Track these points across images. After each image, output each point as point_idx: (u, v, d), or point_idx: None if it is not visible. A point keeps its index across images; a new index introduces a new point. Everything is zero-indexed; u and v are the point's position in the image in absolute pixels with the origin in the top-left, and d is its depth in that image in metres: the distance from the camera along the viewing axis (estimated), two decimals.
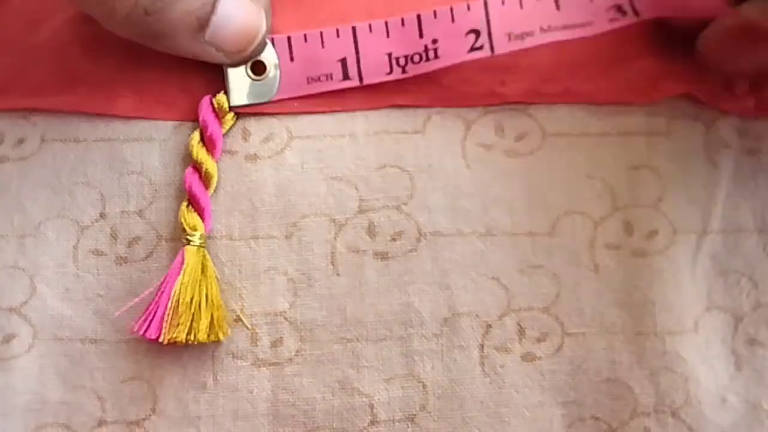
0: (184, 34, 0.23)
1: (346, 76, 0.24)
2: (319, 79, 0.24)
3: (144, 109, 0.25)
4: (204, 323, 0.23)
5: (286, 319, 0.24)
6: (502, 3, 0.24)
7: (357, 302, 0.24)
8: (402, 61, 0.24)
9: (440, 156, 0.24)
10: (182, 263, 0.23)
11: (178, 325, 0.23)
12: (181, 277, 0.23)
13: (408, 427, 0.23)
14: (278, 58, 0.24)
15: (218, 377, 0.24)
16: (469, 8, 0.24)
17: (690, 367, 0.23)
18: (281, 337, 0.24)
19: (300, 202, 0.24)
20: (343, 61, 0.24)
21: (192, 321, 0.23)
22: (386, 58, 0.24)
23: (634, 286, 0.24)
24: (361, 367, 0.23)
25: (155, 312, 0.23)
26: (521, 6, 0.24)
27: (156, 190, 0.24)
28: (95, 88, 0.25)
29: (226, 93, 0.24)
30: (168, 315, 0.23)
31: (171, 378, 0.24)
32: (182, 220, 0.24)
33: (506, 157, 0.24)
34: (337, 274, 0.24)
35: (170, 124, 0.25)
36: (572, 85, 0.25)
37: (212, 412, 0.23)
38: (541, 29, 0.24)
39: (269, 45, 0.24)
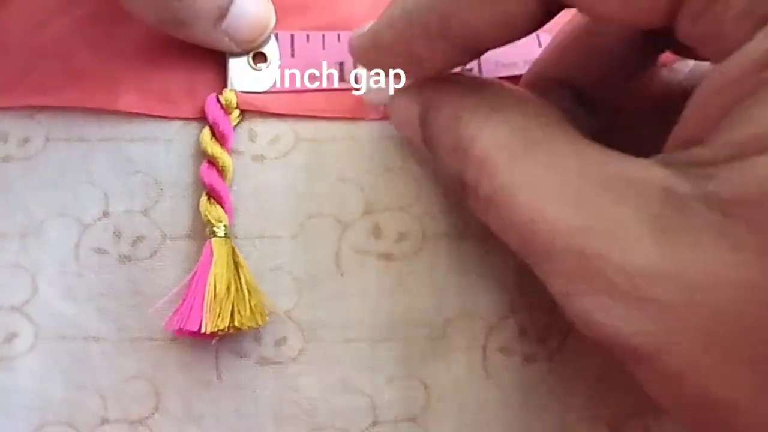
0: (204, 22, 0.23)
1: (342, 79, 0.25)
2: (318, 78, 0.25)
3: (148, 106, 0.25)
4: (245, 310, 0.23)
5: (290, 318, 0.24)
6: None
7: (360, 303, 0.24)
8: None
9: None
10: (211, 254, 0.23)
11: (219, 314, 0.23)
12: (213, 268, 0.23)
13: (410, 427, 0.23)
14: (280, 53, 0.25)
15: (222, 376, 0.24)
16: None
17: None
18: (285, 337, 0.24)
19: (306, 203, 0.24)
20: (341, 65, 0.25)
21: (233, 310, 0.23)
22: None
23: None
24: (363, 368, 0.23)
25: (192, 305, 0.23)
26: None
27: (161, 190, 0.24)
28: (100, 85, 0.25)
29: (226, 79, 0.25)
30: (207, 306, 0.23)
31: (174, 376, 0.24)
32: (206, 213, 0.24)
33: None
34: (342, 275, 0.24)
35: (175, 124, 0.25)
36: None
37: (216, 411, 0.23)
38: (525, 62, 0.25)
39: (273, 39, 0.25)
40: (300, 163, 0.24)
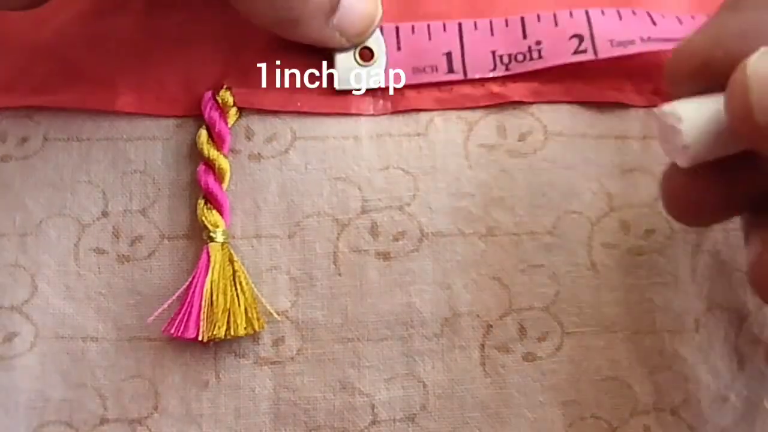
0: (317, 19, 0.23)
1: (450, 70, 0.25)
2: (424, 70, 0.25)
3: (145, 106, 0.25)
4: (241, 318, 0.23)
5: (287, 318, 0.24)
6: (602, 13, 0.25)
7: (358, 302, 0.24)
8: (506, 59, 0.25)
9: (442, 157, 0.24)
10: (208, 261, 0.23)
11: (215, 322, 0.23)
12: (210, 274, 0.23)
13: (409, 426, 0.23)
14: (386, 47, 0.25)
15: (220, 375, 0.24)
16: (571, 15, 0.25)
17: (690, 365, 0.23)
18: (283, 336, 0.24)
19: (303, 202, 0.24)
20: (449, 55, 0.25)
21: (229, 317, 0.23)
22: (490, 55, 0.25)
23: (632, 284, 0.24)
24: (362, 367, 0.23)
25: (189, 312, 0.23)
26: (620, 18, 0.25)
27: (159, 189, 0.24)
28: (97, 86, 0.25)
29: (332, 77, 0.25)
30: (204, 314, 0.23)
31: (173, 376, 0.24)
32: (202, 218, 0.24)
33: (509, 157, 0.25)
34: (339, 274, 0.24)
35: (172, 122, 0.25)
36: (573, 85, 0.25)
37: (214, 411, 0.23)
38: (641, 39, 0.24)
39: (378, 33, 0.25)
40: (297, 161, 0.24)
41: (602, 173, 0.24)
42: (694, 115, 0.18)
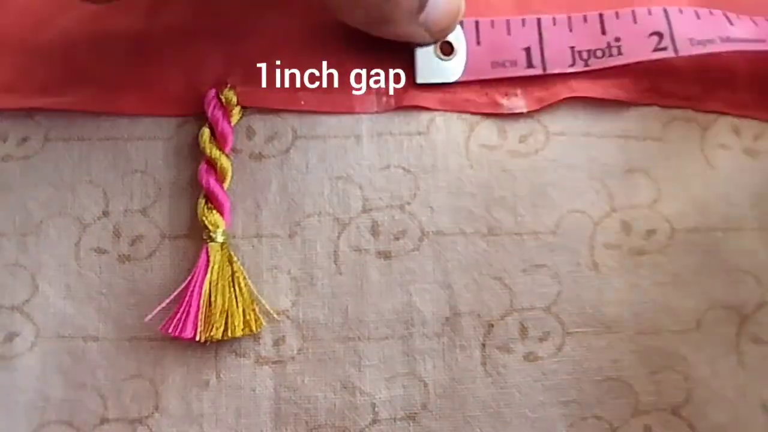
0: (406, 17, 0.24)
1: (530, 64, 0.25)
2: (503, 64, 0.25)
3: (149, 107, 0.25)
4: (239, 319, 0.23)
5: (288, 317, 0.24)
6: (680, 12, 0.25)
7: (359, 301, 0.24)
8: (585, 55, 0.25)
9: (444, 156, 0.25)
10: (207, 261, 0.23)
11: (213, 323, 0.23)
12: (209, 275, 0.23)
13: (409, 425, 0.23)
14: (466, 41, 0.25)
15: (221, 375, 0.24)
16: (650, 12, 0.25)
17: (691, 365, 0.23)
18: (284, 336, 0.24)
19: (304, 202, 0.24)
20: (528, 50, 0.25)
21: (227, 318, 0.23)
22: (569, 50, 0.25)
23: (633, 284, 0.24)
24: (362, 366, 0.23)
25: (187, 312, 0.23)
26: (698, 17, 0.25)
27: (160, 189, 0.24)
28: (100, 87, 0.25)
29: (413, 72, 0.25)
30: (202, 314, 0.23)
31: (173, 376, 0.24)
32: (203, 218, 0.24)
33: (510, 157, 0.25)
34: (340, 273, 0.24)
35: (174, 122, 0.25)
36: (576, 83, 0.25)
37: (215, 410, 0.23)
38: (721, 39, 0.24)
39: (458, 27, 0.25)
40: (298, 161, 0.24)
41: (605, 173, 0.24)
42: None
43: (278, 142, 0.25)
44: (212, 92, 0.24)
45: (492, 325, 0.24)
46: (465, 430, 0.23)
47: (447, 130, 0.25)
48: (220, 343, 0.24)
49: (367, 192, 0.24)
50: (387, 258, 0.24)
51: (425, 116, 0.25)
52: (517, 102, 0.25)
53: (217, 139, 0.24)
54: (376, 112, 0.25)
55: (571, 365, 0.23)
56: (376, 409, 0.23)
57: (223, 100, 0.24)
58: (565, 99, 0.25)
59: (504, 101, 0.25)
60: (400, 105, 0.25)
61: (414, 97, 0.25)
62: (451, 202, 0.24)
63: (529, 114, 0.25)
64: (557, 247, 0.24)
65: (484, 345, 0.24)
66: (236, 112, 0.25)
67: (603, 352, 0.23)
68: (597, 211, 0.24)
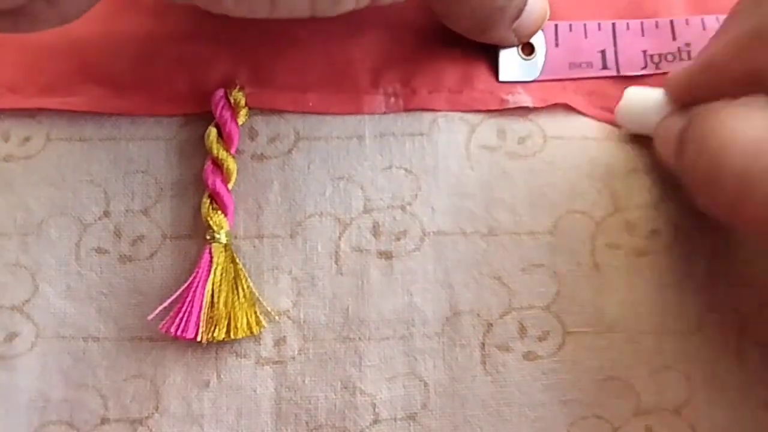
0: (505, 24, 0.25)
1: (604, 66, 0.26)
2: (580, 65, 0.26)
3: (155, 107, 0.25)
4: (241, 321, 0.23)
5: (289, 318, 0.24)
6: None
7: (360, 301, 0.24)
8: (656, 59, 0.25)
9: (444, 157, 0.25)
10: (210, 262, 0.23)
11: (215, 324, 0.23)
12: (212, 276, 0.23)
13: (410, 425, 0.23)
14: (545, 43, 0.26)
15: (222, 375, 0.24)
16: (718, 20, 0.25)
17: (693, 365, 0.23)
18: (284, 336, 0.24)
19: (305, 202, 0.24)
20: (603, 53, 0.26)
21: (229, 319, 0.23)
22: (641, 54, 0.26)
23: (635, 285, 0.24)
24: (363, 366, 0.23)
25: (189, 312, 0.23)
26: None
27: (161, 189, 0.24)
28: (107, 88, 0.25)
29: (496, 70, 0.25)
30: (204, 314, 0.23)
31: (174, 376, 0.24)
32: (207, 219, 0.24)
33: (508, 158, 0.25)
34: (341, 274, 0.24)
35: (176, 121, 0.25)
36: (575, 96, 0.25)
37: (215, 411, 0.23)
38: None
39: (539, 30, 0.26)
40: (300, 162, 0.25)
41: (607, 173, 0.24)
42: (634, 98, 0.24)
43: (280, 143, 0.25)
44: (221, 92, 0.24)
45: (491, 325, 0.24)
46: (465, 430, 0.23)
47: (449, 131, 0.25)
48: (220, 343, 0.24)
49: (368, 192, 0.24)
50: (388, 258, 0.24)
51: (427, 117, 0.25)
52: (522, 97, 0.25)
53: (224, 139, 0.24)
54: (384, 113, 0.25)
55: (572, 364, 0.23)
56: (377, 409, 0.23)
57: (232, 100, 0.24)
58: (563, 104, 0.25)
59: (509, 98, 0.25)
60: (409, 107, 0.25)
61: (422, 98, 0.25)
62: (452, 203, 0.24)
63: (527, 117, 0.25)
64: (556, 247, 0.24)
65: (483, 344, 0.24)
66: (243, 113, 0.25)
67: (604, 351, 0.23)
68: (599, 211, 0.24)
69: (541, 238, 0.24)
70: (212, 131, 0.24)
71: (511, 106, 0.25)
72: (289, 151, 0.25)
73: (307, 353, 0.24)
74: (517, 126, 0.25)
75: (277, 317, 0.24)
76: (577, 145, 0.25)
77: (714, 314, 0.24)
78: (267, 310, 0.24)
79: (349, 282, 0.24)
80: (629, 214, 0.24)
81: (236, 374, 0.24)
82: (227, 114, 0.24)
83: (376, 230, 0.24)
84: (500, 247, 0.24)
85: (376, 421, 0.23)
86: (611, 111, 0.25)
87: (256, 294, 0.24)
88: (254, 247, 0.24)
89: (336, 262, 0.24)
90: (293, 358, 0.24)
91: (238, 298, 0.23)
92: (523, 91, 0.25)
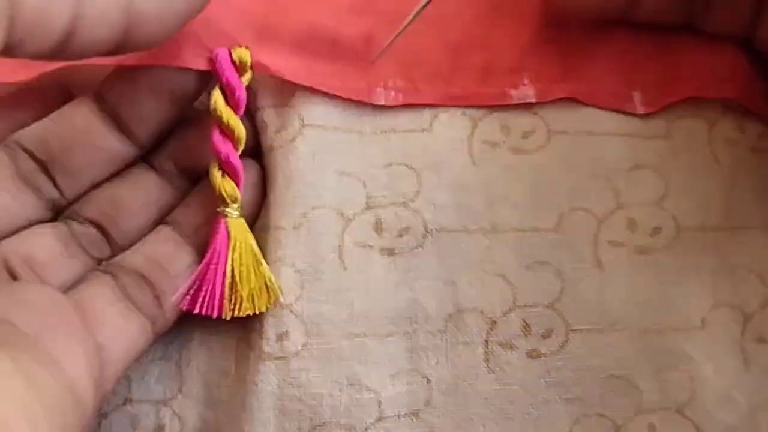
0: None
1: None
2: None
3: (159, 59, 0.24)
4: (263, 293, 0.23)
5: (292, 312, 0.24)
6: None
7: (363, 297, 0.24)
8: None
9: (447, 153, 0.24)
10: (228, 237, 0.23)
11: (240, 301, 0.23)
12: (231, 252, 0.23)
13: (413, 421, 0.23)
14: None
15: (238, 366, 0.24)
16: None
17: (696, 364, 0.23)
18: (287, 331, 0.24)
19: (309, 193, 0.24)
20: None
21: (252, 295, 0.23)
22: None
23: (638, 282, 0.24)
24: (368, 363, 0.23)
25: (212, 289, 0.23)
26: None
27: None
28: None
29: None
30: (228, 291, 0.23)
31: (197, 361, 0.24)
32: (221, 190, 0.23)
33: (512, 154, 0.25)
34: (345, 268, 0.24)
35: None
36: (579, 88, 0.25)
37: (229, 400, 0.24)
38: None
39: None
40: (304, 150, 0.24)
41: (609, 170, 0.24)
42: None
43: (285, 132, 0.24)
44: (224, 51, 0.23)
45: (495, 322, 0.24)
46: (468, 427, 0.23)
47: (450, 127, 0.25)
48: (240, 333, 0.24)
49: (370, 188, 0.24)
50: (391, 255, 0.24)
51: (428, 113, 0.25)
52: (527, 92, 0.25)
53: (232, 104, 0.23)
54: (383, 106, 0.25)
55: (575, 362, 0.23)
56: (382, 406, 0.23)
57: (236, 59, 0.23)
58: (568, 97, 0.25)
59: (513, 92, 0.25)
60: (408, 102, 0.25)
61: (422, 93, 0.25)
62: (455, 199, 0.24)
63: (532, 111, 0.25)
64: (559, 245, 0.24)
65: (487, 342, 0.23)
66: (248, 75, 0.24)
67: (607, 349, 0.23)
68: (601, 208, 0.24)
69: (545, 235, 0.24)
70: (217, 96, 0.23)
71: (515, 102, 0.25)
72: (293, 140, 0.24)
73: (311, 349, 0.23)
74: (521, 120, 0.25)
75: (284, 305, 0.24)
76: (581, 141, 0.24)
77: (717, 312, 0.24)
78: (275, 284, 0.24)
79: (353, 277, 0.24)
80: (632, 211, 0.24)
81: (243, 367, 0.24)
82: (232, 75, 0.23)
83: (378, 227, 0.24)
84: (504, 244, 0.24)
85: (380, 418, 0.23)
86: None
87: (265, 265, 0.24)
88: (258, 239, 0.24)
89: (339, 257, 0.24)
90: (296, 353, 0.23)
91: (258, 271, 0.23)
92: (528, 81, 0.25)
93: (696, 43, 0.24)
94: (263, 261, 0.23)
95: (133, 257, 0.24)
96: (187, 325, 0.24)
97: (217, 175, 0.23)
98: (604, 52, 0.25)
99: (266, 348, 0.24)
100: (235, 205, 0.23)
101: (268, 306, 0.23)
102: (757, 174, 0.24)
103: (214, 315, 0.23)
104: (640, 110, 0.24)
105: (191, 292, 0.23)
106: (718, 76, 0.24)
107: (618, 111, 0.25)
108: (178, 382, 0.24)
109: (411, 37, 0.24)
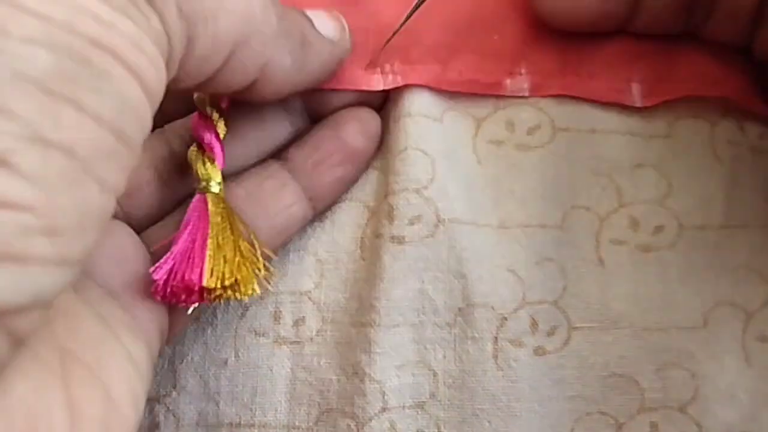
0: None
1: None
2: None
3: None
4: (248, 271, 0.22)
5: (310, 299, 0.24)
6: None
7: (371, 286, 0.24)
8: None
9: (454, 150, 0.25)
10: (207, 211, 0.22)
11: (221, 272, 0.21)
12: (212, 225, 0.22)
13: (417, 413, 0.23)
14: None
15: (240, 354, 0.24)
16: None
17: (698, 362, 0.23)
18: (304, 317, 0.24)
19: None
20: None
21: (233, 268, 0.22)
22: None
23: (640, 280, 0.24)
24: (373, 353, 0.23)
25: (191, 259, 0.21)
26: None
27: None
28: None
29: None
30: (209, 262, 0.21)
31: (192, 355, 0.24)
32: (199, 171, 0.23)
33: (517, 150, 0.25)
34: (363, 259, 0.24)
35: None
36: (575, 83, 0.25)
37: (232, 389, 0.24)
38: None
39: None
40: None
41: (612, 168, 0.25)
42: None
43: None
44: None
45: (505, 318, 0.24)
46: (473, 422, 0.23)
47: (454, 128, 0.25)
48: (239, 322, 0.24)
49: (387, 177, 0.24)
50: (400, 243, 0.24)
51: (436, 108, 0.25)
52: (522, 83, 0.25)
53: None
54: (384, 91, 0.25)
55: (577, 360, 0.23)
56: (386, 396, 0.23)
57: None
58: (567, 93, 0.25)
59: (508, 81, 0.25)
60: (407, 82, 0.25)
61: (418, 74, 0.25)
62: (465, 194, 0.24)
63: (537, 107, 0.25)
64: (563, 242, 0.24)
65: (496, 338, 0.23)
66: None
67: (609, 347, 0.23)
68: (603, 207, 0.24)
69: (550, 231, 0.24)
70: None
71: (508, 93, 0.25)
72: None
73: (325, 335, 0.24)
74: (526, 116, 0.25)
75: (265, 270, 0.23)
76: (584, 138, 0.25)
77: (719, 310, 0.24)
78: (263, 272, 0.23)
79: (366, 267, 0.24)
80: (634, 209, 0.24)
81: (254, 353, 0.24)
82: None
83: (389, 214, 0.24)
84: (513, 239, 0.24)
85: (384, 409, 0.23)
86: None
87: (257, 248, 0.23)
88: None
89: (360, 248, 0.24)
90: (311, 339, 0.24)
91: (241, 252, 0.22)
92: (524, 71, 0.25)
93: (694, 43, 0.25)
94: (251, 238, 0.23)
95: (236, 188, 0.23)
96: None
97: (194, 153, 0.23)
98: (602, 48, 0.25)
99: (283, 333, 0.24)
100: (214, 181, 0.23)
101: (254, 290, 0.22)
102: (758, 174, 0.25)
103: (189, 284, 0.21)
104: (639, 103, 0.25)
105: (169, 266, 0.21)
106: (716, 75, 0.25)
107: (616, 104, 0.25)
108: (171, 379, 0.24)
109: (411, 21, 0.24)
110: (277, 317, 0.24)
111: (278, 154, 0.25)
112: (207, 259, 0.21)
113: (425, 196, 0.24)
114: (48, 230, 0.14)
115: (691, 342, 0.24)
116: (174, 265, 0.21)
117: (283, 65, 0.21)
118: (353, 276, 0.24)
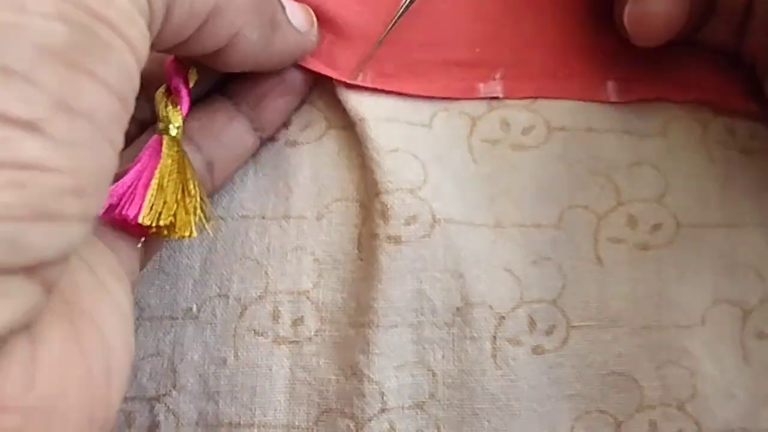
0: None
1: None
2: None
3: None
4: (185, 218, 0.22)
5: (308, 298, 0.24)
6: None
7: (369, 287, 0.24)
8: None
9: (448, 150, 0.25)
10: (159, 152, 0.22)
11: (159, 212, 0.21)
12: (161, 164, 0.22)
13: (417, 413, 0.23)
14: None
15: (239, 353, 0.24)
16: None
17: (697, 360, 0.23)
18: (302, 316, 0.24)
19: (333, 186, 0.25)
20: None
21: (175, 214, 0.22)
22: None
23: (638, 279, 0.24)
24: (371, 354, 0.23)
25: (134, 192, 0.21)
26: None
27: None
28: None
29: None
30: (149, 200, 0.21)
31: (192, 354, 0.24)
32: (163, 113, 0.23)
33: (512, 150, 0.25)
34: (361, 259, 0.24)
35: None
36: (547, 85, 0.25)
37: (231, 388, 0.24)
38: None
39: None
40: (330, 148, 0.25)
41: (609, 167, 0.25)
42: None
43: (312, 130, 0.26)
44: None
45: (503, 318, 0.24)
46: (472, 422, 0.23)
47: (449, 127, 0.25)
48: (238, 321, 0.24)
49: (377, 175, 0.24)
50: (397, 243, 0.24)
51: (427, 110, 0.25)
52: (494, 86, 0.25)
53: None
54: (372, 90, 0.25)
55: (576, 359, 0.24)
56: (385, 397, 0.23)
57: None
58: (560, 94, 0.25)
59: (481, 85, 0.25)
60: (383, 88, 0.25)
61: (397, 81, 0.25)
62: (459, 194, 0.24)
63: (530, 109, 0.25)
64: (560, 241, 0.24)
65: (495, 337, 0.24)
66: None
67: (608, 346, 0.24)
68: (602, 205, 0.25)
69: (547, 231, 0.24)
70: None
71: (481, 95, 0.25)
72: (321, 138, 0.25)
73: (323, 335, 0.24)
74: (520, 116, 0.25)
75: (207, 226, 0.23)
76: (580, 138, 0.25)
77: (717, 308, 0.24)
78: (207, 217, 0.23)
79: (363, 267, 0.24)
80: (632, 208, 0.25)
81: (253, 352, 0.24)
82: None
83: (384, 214, 0.24)
84: (509, 239, 0.24)
85: (383, 410, 0.23)
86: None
87: (204, 199, 0.23)
88: (281, 227, 0.25)
89: (358, 248, 0.24)
90: (310, 339, 0.24)
91: (187, 194, 0.22)
92: (499, 76, 0.25)
93: (675, 45, 0.25)
94: (195, 184, 0.22)
95: (190, 120, 0.24)
96: (181, 319, 0.24)
97: (161, 93, 0.23)
98: (582, 50, 0.25)
99: (282, 332, 0.24)
100: (176, 125, 0.22)
101: (191, 231, 0.22)
102: (749, 174, 0.25)
103: (129, 216, 0.21)
104: (613, 98, 0.25)
105: (114, 196, 0.21)
106: (690, 76, 0.25)
107: (592, 101, 0.25)
108: (171, 378, 0.24)
109: (389, 34, 0.25)
110: (275, 317, 0.24)
111: (221, 89, 0.26)
112: (147, 197, 0.22)
113: (420, 197, 0.24)
114: (77, 190, 0.15)
115: (689, 340, 0.24)
116: (114, 198, 0.21)
117: (250, 38, 0.22)
118: (351, 276, 0.24)
